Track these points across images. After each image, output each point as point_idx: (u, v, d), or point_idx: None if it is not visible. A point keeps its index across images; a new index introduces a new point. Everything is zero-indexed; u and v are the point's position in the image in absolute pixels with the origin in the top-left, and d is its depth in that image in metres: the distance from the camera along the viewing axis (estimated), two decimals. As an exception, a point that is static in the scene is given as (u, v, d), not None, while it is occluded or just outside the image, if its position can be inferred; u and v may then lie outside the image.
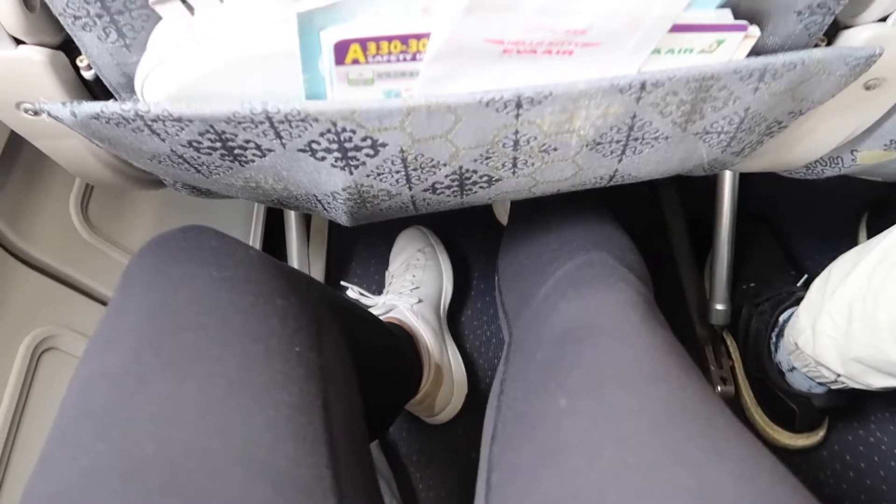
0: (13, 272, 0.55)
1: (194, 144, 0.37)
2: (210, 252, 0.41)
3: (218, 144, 0.37)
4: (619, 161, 0.43)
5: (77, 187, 0.62)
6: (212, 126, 0.35)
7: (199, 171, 0.41)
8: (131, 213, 0.71)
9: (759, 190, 1.00)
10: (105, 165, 0.46)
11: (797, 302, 0.80)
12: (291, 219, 0.89)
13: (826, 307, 0.63)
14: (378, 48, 0.32)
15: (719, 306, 0.90)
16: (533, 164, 0.42)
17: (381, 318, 0.81)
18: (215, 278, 0.39)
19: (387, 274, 0.95)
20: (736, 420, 0.36)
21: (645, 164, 0.44)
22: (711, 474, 0.31)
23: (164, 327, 0.36)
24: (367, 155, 0.39)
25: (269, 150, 0.38)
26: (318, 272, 0.96)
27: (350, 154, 0.38)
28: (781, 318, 0.81)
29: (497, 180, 0.43)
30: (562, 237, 0.56)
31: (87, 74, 0.38)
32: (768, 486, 0.31)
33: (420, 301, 0.84)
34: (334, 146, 0.38)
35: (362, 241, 1.06)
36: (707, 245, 0.99)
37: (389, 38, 0.31)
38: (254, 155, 0.39)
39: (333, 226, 1.03)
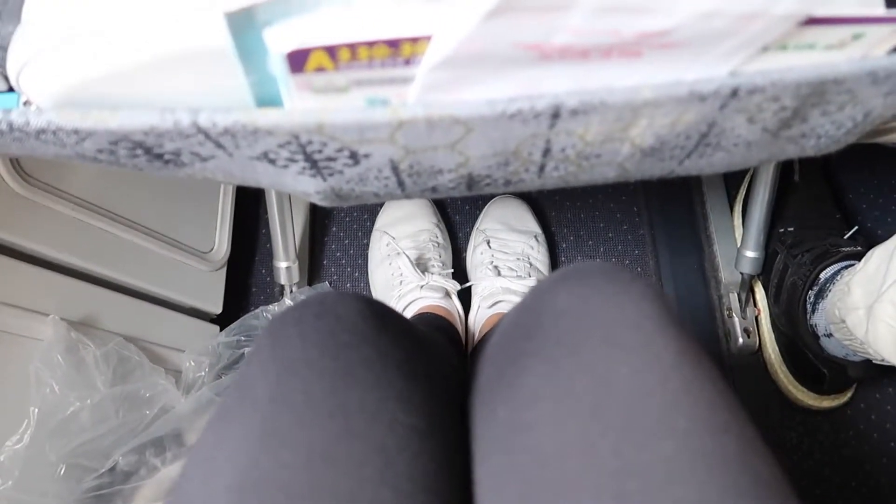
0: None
1: (106, 151, 0.27)
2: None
3: (140, 152, 0.27)
4: (680, 164, 0.33)
5: None
6: (126, 136, 0.25)
7: (124, 168, 0.31)
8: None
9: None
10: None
11: (843, 259, 0.71)
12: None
13: (889, 293, 0.54)
14: (354, 54, 0.21)
15: (750, 254, 0.79)
16: (566, 170, 0.32)
17: (427, 307, 0.72)
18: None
19: (389, 238, 0.81)
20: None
21: (711, 165, 0.34)
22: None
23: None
24: (346, 165, 0.29)
25: (212, 157, 0.28)
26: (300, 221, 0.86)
27: (322, 165, 0.28)
28: (822, 276, 0.72)
29: (517, 182, 0.33)
30: None
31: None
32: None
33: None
34: (299, 157, 0.28)
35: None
36: (739, 178, 0.88)
37: (371, 44, 0.21)
38: (192, 160, 0.29)
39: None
